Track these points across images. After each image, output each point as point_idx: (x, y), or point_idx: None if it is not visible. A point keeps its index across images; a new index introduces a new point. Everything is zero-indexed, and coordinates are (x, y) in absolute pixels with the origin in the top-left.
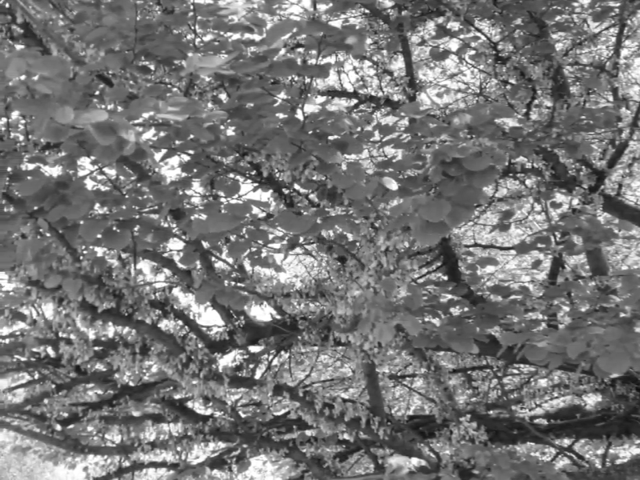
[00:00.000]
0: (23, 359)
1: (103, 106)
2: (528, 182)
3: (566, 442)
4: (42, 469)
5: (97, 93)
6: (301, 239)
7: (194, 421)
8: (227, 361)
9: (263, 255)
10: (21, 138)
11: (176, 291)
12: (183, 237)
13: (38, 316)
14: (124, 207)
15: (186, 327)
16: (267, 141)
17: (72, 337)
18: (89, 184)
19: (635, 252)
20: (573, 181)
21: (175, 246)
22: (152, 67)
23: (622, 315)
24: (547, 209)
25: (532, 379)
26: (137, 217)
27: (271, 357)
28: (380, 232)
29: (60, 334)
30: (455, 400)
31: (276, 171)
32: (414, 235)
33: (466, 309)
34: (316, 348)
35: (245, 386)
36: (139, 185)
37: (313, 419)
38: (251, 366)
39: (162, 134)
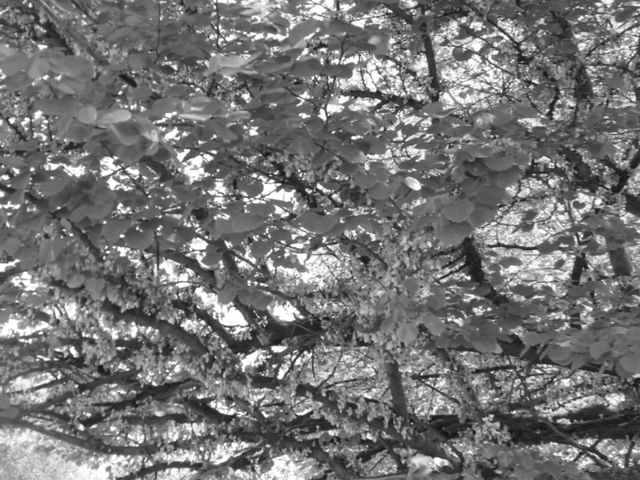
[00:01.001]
0: (46, 359)
1: (126, 106)
2: (551, 182)
3: (589, 442)
4: (65, 469)
5: (120, 92)
6: (324, 239)
7: (217, 420)
8: (249, 360)
9: (286, 254)
10: (44, 138)
11: (199, 291)
12: (206, 237)
13: (61, 316)
14: (147, 207)
15: (209, 326)
16: (289, 140)
17: (95, 337)
18: (112, 184)
19: None
20: (596, 180)
21: (197, 246)
22: (175, 67)
23: None
24: (569, 208)
25: (555, 379)
26: (160, 217)
27: (293, 357)
28: (403, 232)
29: (83, 334)
30: (478, 400)
31: (299, 170)
32: (437, 235)
33: (489, 309)
34: (339, 348)
35: (268, 386)
36: (161, 184)
37: (336, 419)
38: (274, 366)
39: (185, 134)
